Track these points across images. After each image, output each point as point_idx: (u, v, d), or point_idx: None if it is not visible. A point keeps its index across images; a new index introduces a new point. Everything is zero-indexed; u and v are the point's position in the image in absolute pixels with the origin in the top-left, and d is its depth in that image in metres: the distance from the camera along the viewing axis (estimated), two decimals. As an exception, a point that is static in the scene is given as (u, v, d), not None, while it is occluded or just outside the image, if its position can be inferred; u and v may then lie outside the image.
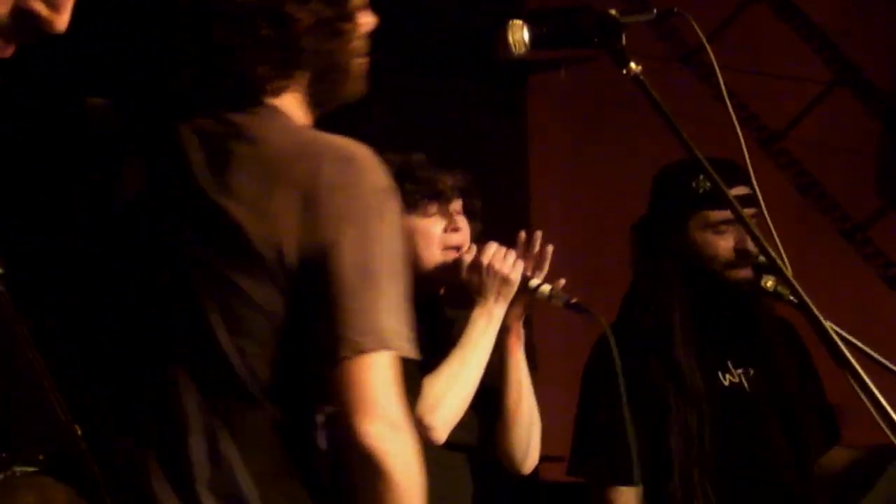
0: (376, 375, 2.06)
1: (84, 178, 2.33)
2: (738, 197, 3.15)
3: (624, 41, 2.29)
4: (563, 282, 3.16)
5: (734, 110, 4.99)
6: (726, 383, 3.48)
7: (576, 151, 5.27)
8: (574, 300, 3.12)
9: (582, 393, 3.53)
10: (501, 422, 3.25)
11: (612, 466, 3.40)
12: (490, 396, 3.22)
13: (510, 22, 2.34)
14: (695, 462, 3.36)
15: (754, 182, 2.45)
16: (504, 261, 3.09)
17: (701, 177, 3.34)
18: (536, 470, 3.43)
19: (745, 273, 3.42)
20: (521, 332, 3.23)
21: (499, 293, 3.10)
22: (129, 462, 2.16)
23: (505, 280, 3.10)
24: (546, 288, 3.09)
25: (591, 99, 4.95)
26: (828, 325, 2.21)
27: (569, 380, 3.59)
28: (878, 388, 2.15)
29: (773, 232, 2.42)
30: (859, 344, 2.52)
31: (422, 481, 2.08)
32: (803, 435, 3.48)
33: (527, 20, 2.35)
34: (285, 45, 2.16)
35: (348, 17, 2.21)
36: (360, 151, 2.13)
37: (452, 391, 3.10)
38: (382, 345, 2.06)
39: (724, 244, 3.44)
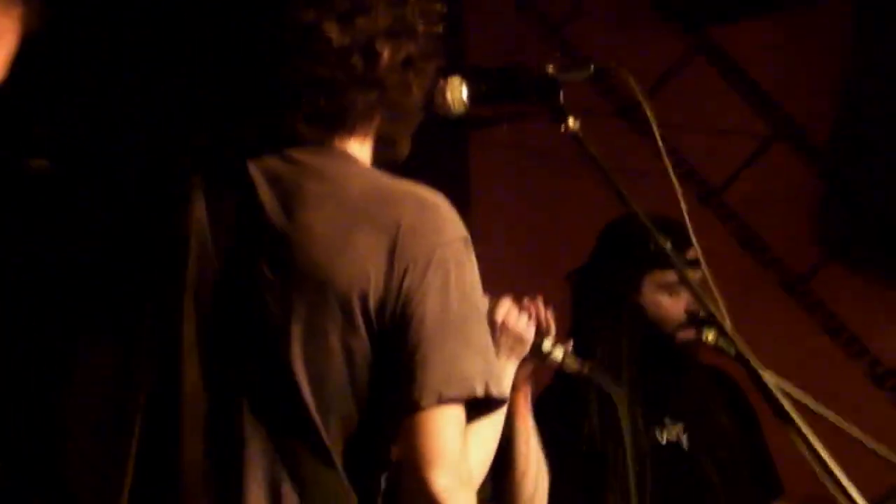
0: (452, 428, 2.06)
1: (154, 217, 2.30)
2: (689, 261, 3.18)
3: (562, 98, 2.29)
4: (570, 344, 3.11)
5: (673, 165, 5.03)
6: (663, 441, 3.48)
7: (519, 204, 5.29)
8: (587, 367, 3.05)
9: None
10: (508, 485, 3.20)
11: None
12: (500, 454, 3.18)
13: (448, 78, 2.34)
14: None
15: (693, 237, 2.45)
16: (518, 319, 3.01)
17: (659, 238, 3.35)
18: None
19: (692, 335, 3.43)
20: (529, 393, 3.18)
21: (511, 351, 2.98)
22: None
23: (519, 339, 2.95)
24: (559, 352, 3.01)
25: (534, 152, 4.97)
26: (769, 377, 2.21)
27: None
28: (822, 440, 2.14)
29: (713, 285, 2.43)
30: (800, 395, 2.52)
31: None
32: (740, 490, 3.49)
33: (465, 77, 2.35)
34: (376, 83, 2.18)
35: (429, 56, 2.24)
36: (441, 199, 2.15)
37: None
38: (467, 391, 2.06)
39: (677, 306, 3.47)
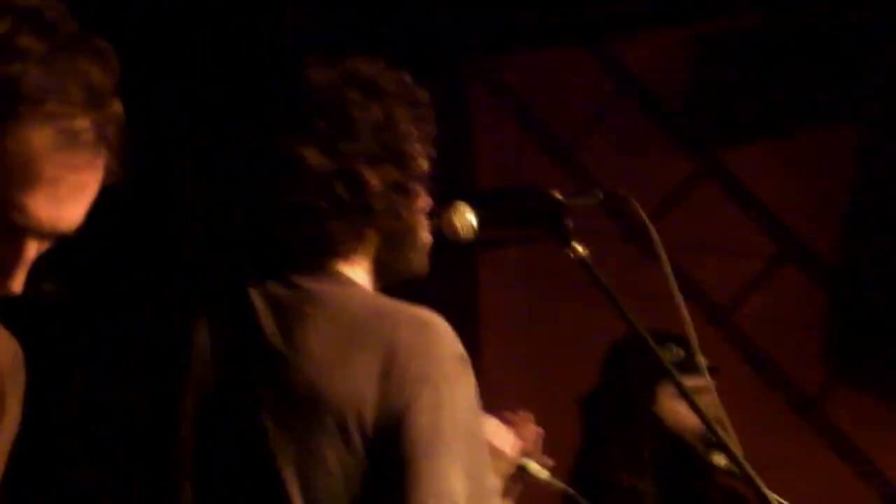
0: None
1: (156, 345, 2.32)
2: (707, 367, 3.17)
3: (570, 223, 2.31)
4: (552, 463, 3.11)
5: (682, 286, 5.04)
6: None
7: (529, 326, 5.30)
8: (572, 492, 3.06)
9: None
10: None
11: None
12: None
13: (455, 204, 2.36)
14: None
15: (700, 354, 2.45)
16: (503, 438, 3.03)
17: (673, 346, 3.36)
18: None
19: (719, 460, 3.40)
20: None
21: (496, 470, 3.01)
22: None
23: (502, 457, 3.01)
24: (544, 474, 3.01)
25: (544, 274, 4.99)
26: (775, 499, 2.19)
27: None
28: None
29: (720, 405, 2.42)
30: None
31: None
32: None
33: (472, 202, 2.37)
34: (360, 207, 2.20)
35: (416, 177, 2.26)
36: (436, 319, 2.16)
37: None
38: None
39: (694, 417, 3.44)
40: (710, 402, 2.63)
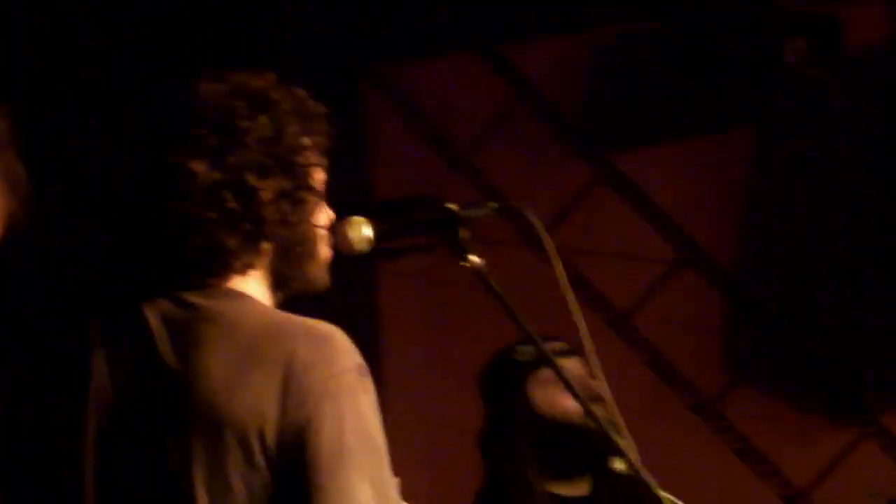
0: None
1: (54, 372, 2.28)
2: (560, 350, 3.17)
3: (465, 235, 2.32)
4: None
5: (581, 290, 5.07)
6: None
7: (430, 334, 5.30)
8: None
9: None
10: None
11: None
12: None
13: (350, 219, 2.36)
14: None
15: (589, 348, 2.46)
16: None
17: (518, 348, 3.37)
18: None
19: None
20: None
21: None
22: None
23: None
24: None
25: (444, 282, 5.00)
26: (666, 498, 2.19)
27: None
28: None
29: (612, 403, 2.43)
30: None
31: None
32: None
33: (367, 215, 2.37)
34: (251, 218, 2.18)
35: (307, 187, 2.24)
36: (334, 332, 2.14)
37: None
38: None
39: (572, 400, 3.45)
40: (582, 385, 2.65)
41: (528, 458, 3.46)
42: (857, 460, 4.90)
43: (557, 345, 3.12)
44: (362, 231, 2.36)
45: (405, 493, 3.01)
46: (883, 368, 4.89)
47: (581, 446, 3.46)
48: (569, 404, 3.45)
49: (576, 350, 3.06)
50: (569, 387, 2.29)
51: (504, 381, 3.52)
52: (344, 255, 2.37)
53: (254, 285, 2.23)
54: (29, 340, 3.08)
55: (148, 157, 2.22)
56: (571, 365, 3.12)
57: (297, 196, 2.22)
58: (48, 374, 2.36)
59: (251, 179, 2.18)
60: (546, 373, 3.45)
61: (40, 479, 2.21)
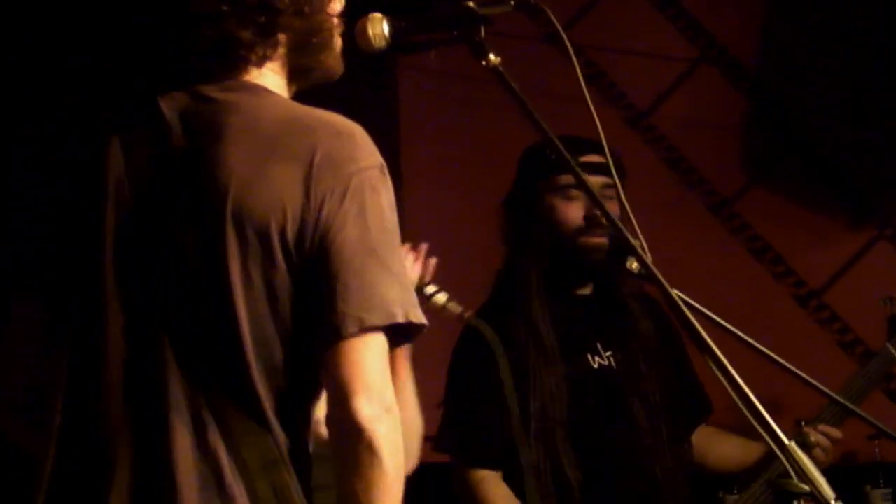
0: (374, 357, 2.05)
1: (72, 163, 2.28)
2: (589, 164, 3.22)
3: (481, 33, 2.30)
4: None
5: (604, 88, 5.04)
6: (595, 365, 3.53)
7: (446, 129, 5.30)
8: (468, 313, 3.11)
9: (449, 375, 3.57)
10: None
11: (473, 449, 3.45)
12: None
13: (370, 15, 2.34)
14: (555, 421, 3.40)
15: (608, 153, 2.47)
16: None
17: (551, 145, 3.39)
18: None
19: (599, 240, 3.48)
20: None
21: None
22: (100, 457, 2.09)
23: None
24: (442, 297, 3.04)
25: (462, 77, 4.98)
26: (678, 297, 2.20)
27: (442, 362, 3.63)
28: (743, 365, 2.17)
29: (627, 205, 2.44)
30: (720, 320, 2.53)
31: (404, 463, 2.07)
32: (664, 414, 3.54)
33: (386, 12, 2.35)
34: (265, 8, 2.17)
35: None
36: (355, 128, 2.14)
37: None
38: (390, 318, 2.05)
39: (574, 210, 3.51)
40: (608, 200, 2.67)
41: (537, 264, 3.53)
42: (872, 261, 4.94)
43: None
44: (381, 27, 2.35)
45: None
46: (901, 170, 4.89)
47: (577, 260, 3.52)
48: (570, 212, 3.50)
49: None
50: (584, 187, 2.29)
51: (530, 166, 3.57)
52: (363, 51, 2.36)
53: (271, 78, 2.22)
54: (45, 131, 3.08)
55: None
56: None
57: None
58: (66, 165, 2.35)
59: None
60: (559, 180, 3.50)
61: (65, 276, 2.22)
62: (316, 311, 2.06)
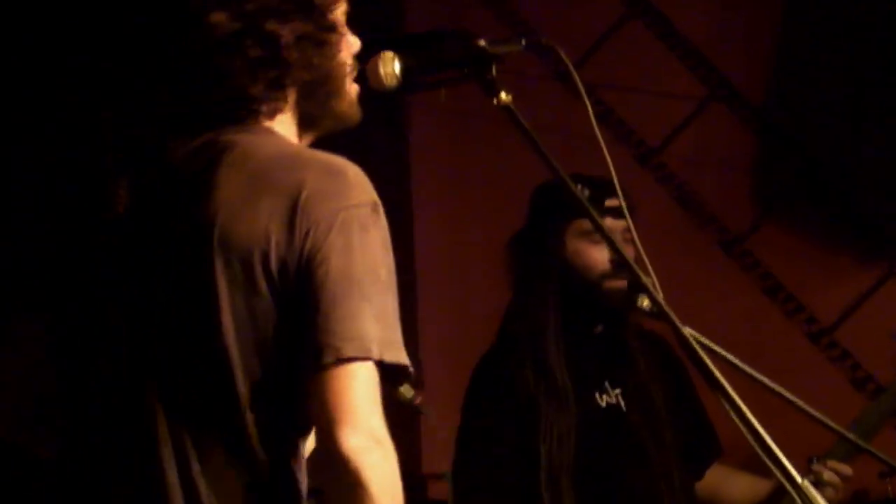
0: (358, 386, 2.02)
1: (80, 202, 2.31)
2: (611, 208, 3.23)
3: (493, 71, 2.32)
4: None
5: (612, 126, 5.06)
6: (603, 404, 3.52)
7: (457, 167, 5.31)
8: (418, 399, 3.12)
9: (463, 419, 3.56)
10: None
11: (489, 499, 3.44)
12: None
13: (381, 54, 2.36)
14: (560, 469, 3.39)
15: (621, 196, 2.48)
16: None
17: (579, 186, 3.39)
18: (423, 487, 3.44)
19: (621, 284, 3.47)
20: None
21: None
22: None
23: None
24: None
25: (472, 114, 4.99)
26: (689, 335, 2.20)
27: (454, 396, 3.62)
28: (754, 402, 2.17)
29: (639, 245, 2.44)
30: (731, 358, 2.53)
31: (400, 498, 2.03)
32: (674, 454, 3.52)
33: (397, 51, 2.36)
34: (275, 63, 2.20)
35: (329, 28, 2.25)
36: (347, 166, 2.15)
37: None
38: (364, 352, 2.03)
39: (600, 254, 3.50)
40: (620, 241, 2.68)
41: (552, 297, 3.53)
42: (883, 298, 4.93)
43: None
44: (393, 66, 2.36)
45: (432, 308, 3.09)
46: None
47: (597, 302, 3.52)
48: (596, 256, 3.50)
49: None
50: (599, 230, 2.30)
51: (548, 209, 3.56)
52: (374, 90, 2.38)
53: (280, 126, 2.25)
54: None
55: (169, 9, 2.23)
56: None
57: (318, 38, 2.24)
58: (66, 165, 2.37)
59: (271, 25, 2.19)
60: (584, 224, 3.49)
61: (63, 292, 2.25)
62: (299, 341, 2.06)
